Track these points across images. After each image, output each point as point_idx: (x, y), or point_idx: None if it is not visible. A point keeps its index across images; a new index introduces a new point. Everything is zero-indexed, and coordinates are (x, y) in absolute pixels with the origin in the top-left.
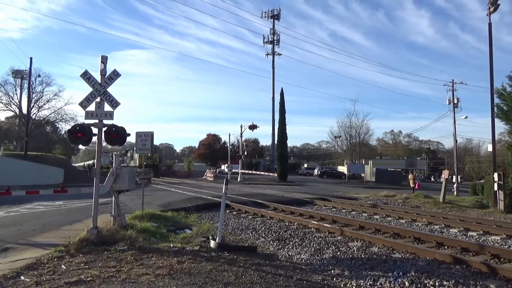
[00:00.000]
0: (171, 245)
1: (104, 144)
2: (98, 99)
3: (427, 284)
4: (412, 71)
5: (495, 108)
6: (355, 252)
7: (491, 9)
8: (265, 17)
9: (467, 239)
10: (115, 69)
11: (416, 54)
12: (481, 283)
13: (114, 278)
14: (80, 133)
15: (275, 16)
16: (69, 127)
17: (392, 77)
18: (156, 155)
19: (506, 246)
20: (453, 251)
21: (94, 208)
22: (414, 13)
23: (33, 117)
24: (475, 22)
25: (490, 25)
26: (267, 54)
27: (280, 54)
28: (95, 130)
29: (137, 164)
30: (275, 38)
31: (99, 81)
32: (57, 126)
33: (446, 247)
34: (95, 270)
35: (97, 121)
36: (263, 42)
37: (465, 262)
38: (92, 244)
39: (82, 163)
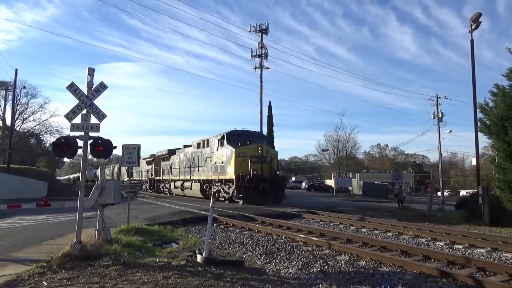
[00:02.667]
0: (157, 260)
1: (89, 157)
2: (84, 111)
3: None
4: (397, 86)
5: (478, 122)
6: (343, 265)
7: (473, 26)
8: (253, 31)
9: (453, 252)
10: (102, 82)
11: (400, 69)
12: None
13: None
14: (65, 145)
15: (263, 31)
16: (54, 140)
17: (378, 92)
18: (275, 152)
19: (491, 259)
20: (439, 264)
21: (78, 222)
22: (397, 30)
23: (17, 129)
24: (456, 39)
25: (472, 41)
26: (255, 68)
27: (268, 68)
28: (80, 143)
29: (230, 176)
30: (263, 52)
31: (86, 93)
32: (42, 138)
33: (432, 260)
34: (77, 286)
35: (82, 133)
36: (251, 56)
37: (452, 275)
38: (75, 259)
39: (66, 176)
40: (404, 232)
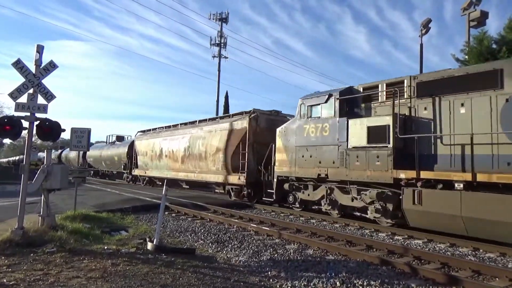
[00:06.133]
0: (105, 247)
1: (33, 139)
2: (31, 91)
3: (357, 284)
4: (350, 83)
5: None
6: (292, 254)
7: (423, 31)
8: (213, 19)
9: (393, 242)
10: (52, 60)
11: (354, 67)
12: (403, 282)
13: (41, 282)
14: (9, 125)
15: (224, 19)
16: None
17: (333, 87)
18: None
19: (427, 249)
20: (380, 253)
21: (21, 207)
22: (352, 28)
23: None
24: (407, 42)
25: (421, 45)
26: (214, 57)
27: (227, 57)
28: (25, 124)
29: None
30: (222, 41)
31: (33, 71)
32: None
33: (374, 249)
34: (19, 273)
35: (28, 114)
36: (210, 44)
37: (391, 263)
38: (16, 245)
39: (6, 159)
40: (351, 223)
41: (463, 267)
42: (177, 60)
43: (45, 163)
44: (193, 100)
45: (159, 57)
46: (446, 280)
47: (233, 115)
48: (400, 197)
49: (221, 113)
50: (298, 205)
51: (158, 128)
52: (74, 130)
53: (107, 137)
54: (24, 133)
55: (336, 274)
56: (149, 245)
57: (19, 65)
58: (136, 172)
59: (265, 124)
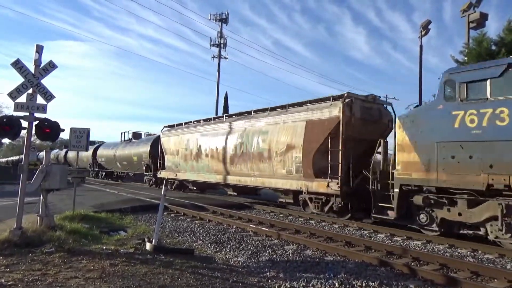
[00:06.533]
0: (104, 247)
1: (32, 138)
2: (30, 91)
3: (355, 285)
4: (350, 84)
5: None
6: (291, 255)
7: (423, 33)
8: (213, 19)
9: (392, 243)
10: (51, 60)
11: (353, 68)
12: (402, 283)
13: (39, 282)
14: (8, 126)
15: (224, 20)
16: None
17: (332, 89)
18: None
19: (425, 250)
20: (379, 254)
21: (19, 207)
22: (352, 29)
23: None
24: (406, 43)
25: (421, 47)
26: (213, 57)
27: (226, 58)
28: (25, 124)
29: None
30: (222, 42)
31: (33, 71)
32: None
33: (373, 250)
34: (17, 273)
35: (27, 114)
36: (210, 45)
37: (390, 264)
38: (14, 245)
39: (5, 159)
40: (349, 224)
41: (462, 268)
42: (176, 61)
43: (43, 163)
44: (192, 100)
45: (158, 57)
46: (444, 281)
47: (310, 101)
48: None
49: (220, 113)
50: (436, 228)
51: (194, 121)
52: (73, 130)
53: (121, 134)
54: (23, 133)
55: (335, 275)
56: (148, 246)
57: (18, 65)
58: (162, 174)
59: (360, 114)
